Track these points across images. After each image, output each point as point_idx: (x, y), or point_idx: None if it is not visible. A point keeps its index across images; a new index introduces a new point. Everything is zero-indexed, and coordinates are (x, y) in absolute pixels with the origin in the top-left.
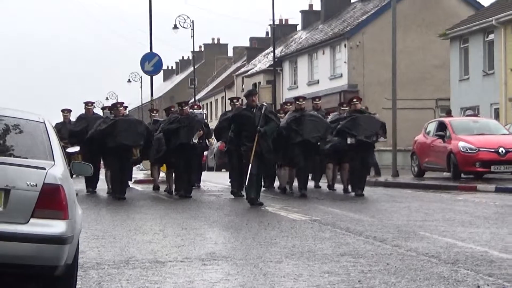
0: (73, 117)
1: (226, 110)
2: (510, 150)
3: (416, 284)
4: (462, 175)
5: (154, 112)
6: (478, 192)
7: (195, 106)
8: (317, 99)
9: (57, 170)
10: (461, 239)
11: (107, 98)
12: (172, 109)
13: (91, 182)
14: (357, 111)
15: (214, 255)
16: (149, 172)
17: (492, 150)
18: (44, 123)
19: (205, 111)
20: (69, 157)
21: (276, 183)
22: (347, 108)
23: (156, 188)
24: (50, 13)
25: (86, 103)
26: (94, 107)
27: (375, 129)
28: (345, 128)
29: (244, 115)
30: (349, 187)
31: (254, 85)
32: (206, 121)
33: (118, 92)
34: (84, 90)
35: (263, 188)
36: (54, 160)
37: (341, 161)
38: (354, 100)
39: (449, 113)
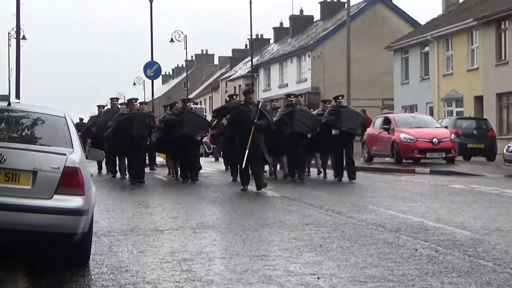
0: None
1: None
2: (442, 140)
3: (366, 248)
4: (403, 160)
5: (168, 108)
6: (416, 174)
7: (192, 103)
8: (299, 96)
9: (75, 155)
10: (402, 212)
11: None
12: (176, 104)
13: (113, 167)
14: (341, 107)
15: (203, 224)
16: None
17: (427, 140)
18: (65, 117)
19: (204, 106)
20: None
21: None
22: (329, 104)
23: (169, 174)
24: (74, 29)
25: (112, 99)
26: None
27: (359, 122)
28: (330, 121)
29: (242, 110)
30: (322, 172)
31: (248, 87)
32: (205, 114)
33: (126, 93)
34: (99, 90)
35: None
36: (73, 148)
37: (324, 151)
38: (340, 97)
39: (363, 112)
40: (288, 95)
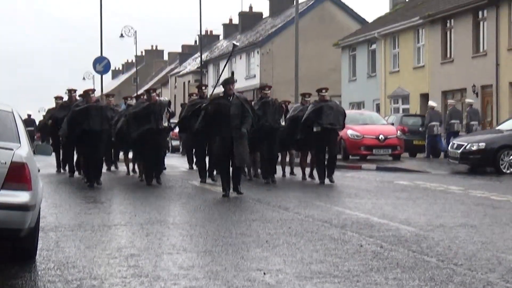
0: None
1: (192, 98)
2: (388, 137)
3: (312, 244)
4: (350, 157)
5: (129, 98)
6: (362, 170)
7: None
8: (267, 88)
9: (22, 151)
10: (348, 208)
11: (65, 92)
12: (142, 96)
13: (65, 164)
14: (324, 101)
15: (151, 220)
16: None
17: (374, 137)
18: (12, 112)
19: (168, 98)
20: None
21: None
22: (308, 98)
23: (128, 174)
24: (24, 25)
25: (69, 91)
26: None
27: (341, 116)
28: (311, 117)
29: (221, 104)
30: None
31: (228, 77)
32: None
33: (75, 88)
34: (48, 85)
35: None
36: (20, 143)
37: (305, 149)
38: (323, 90)
39: None
40: (263, 87)
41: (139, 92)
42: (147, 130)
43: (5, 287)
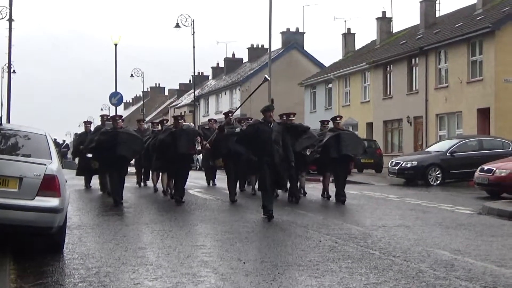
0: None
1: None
2: None
3: (282, 239)
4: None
5: (155, 125)
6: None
7: (183, 120)
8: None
9: (53, 165)
10: (310, 211)
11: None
12: (165, 122)
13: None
14: (340, 129)
15: (154, 220)
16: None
17: None
18: (46, 135)
19: (192, 124)
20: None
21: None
22: (327, 125)
23: (155, 191)
24: (53, 65)
25: (102, 116)
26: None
27: (358, 145)
28: (331, 145)
29: (261, 129)
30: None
31: (268, 104)
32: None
33: (95, 116)
34: (73, 114)
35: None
36: (51, 159)
37: (322, 171)
38: (337, 119)
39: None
40: (288, 115)
41: (147, 118)
42: (173, 154)
43: (39, 273)
